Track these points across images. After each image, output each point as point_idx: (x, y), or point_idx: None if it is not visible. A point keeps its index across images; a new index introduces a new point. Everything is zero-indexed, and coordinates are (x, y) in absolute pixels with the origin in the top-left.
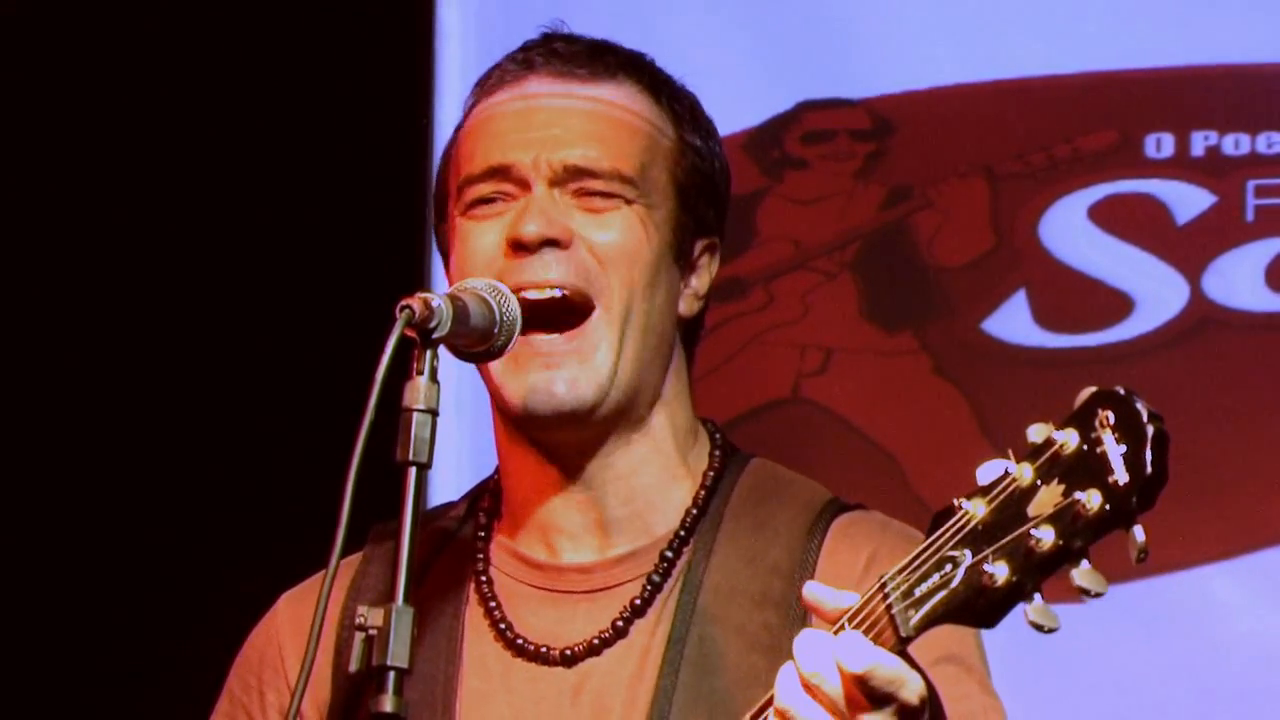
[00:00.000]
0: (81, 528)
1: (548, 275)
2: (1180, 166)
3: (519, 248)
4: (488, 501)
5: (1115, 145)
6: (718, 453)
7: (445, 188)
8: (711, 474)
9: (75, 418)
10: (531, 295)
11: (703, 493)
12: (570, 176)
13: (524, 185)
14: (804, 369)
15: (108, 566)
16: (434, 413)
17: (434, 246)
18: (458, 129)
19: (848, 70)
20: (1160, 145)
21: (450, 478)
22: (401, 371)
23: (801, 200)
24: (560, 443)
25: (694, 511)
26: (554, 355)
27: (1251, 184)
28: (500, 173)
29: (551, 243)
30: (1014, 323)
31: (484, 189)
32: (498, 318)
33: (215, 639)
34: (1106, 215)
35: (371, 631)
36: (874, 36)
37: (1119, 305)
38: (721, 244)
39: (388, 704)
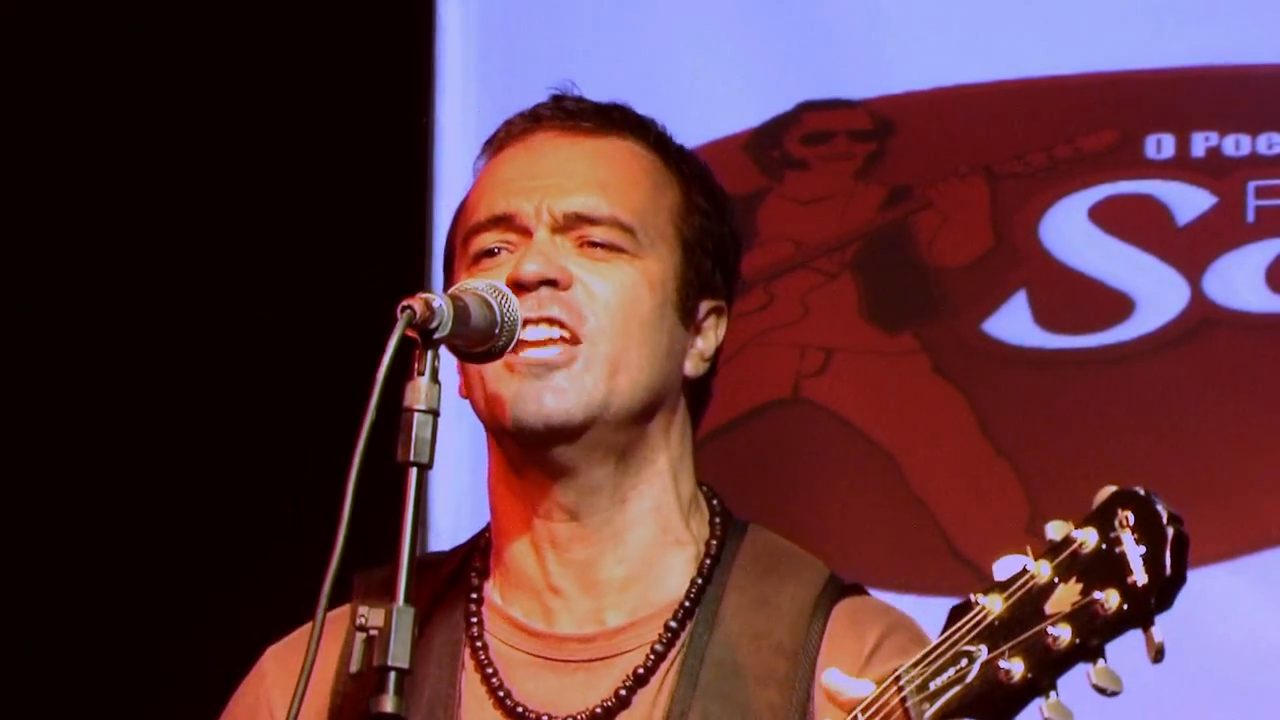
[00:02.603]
0: (82, 529)
1: (545, 311)
2: (1181, 167)
3: (519, 287)
4: (479, 561)
5: (1116, 145)
6: (718, 520)
7: (453, 242)
8: (715, 543)
9: (75, 419)
10: (529, 336)
11: (708, 562)
12: (571, 224)
13: (526, 233)
14: (804, 369)
15: (107, 568)
16: (435, 413)
17: (435, 246)
18: (469, 190)
19: (848, 70)
20: (1161, 146)
21: (451, 478)
22: (403, 372)
23: (802, 200)
24: (551, 482)
25: (699, 581)
26: (543, 364)
27: (1252, 185)
28: (503, 221)
29: (550, 283)
30: (1014, 323)
31: (488, 239)
32: (498, 318)
33: (216, 640)
34: (1107, 216)
35: (372, 632)
36: (874, 37)
37: (1119, 306)
38: (730, 312)
39: (388, 704)
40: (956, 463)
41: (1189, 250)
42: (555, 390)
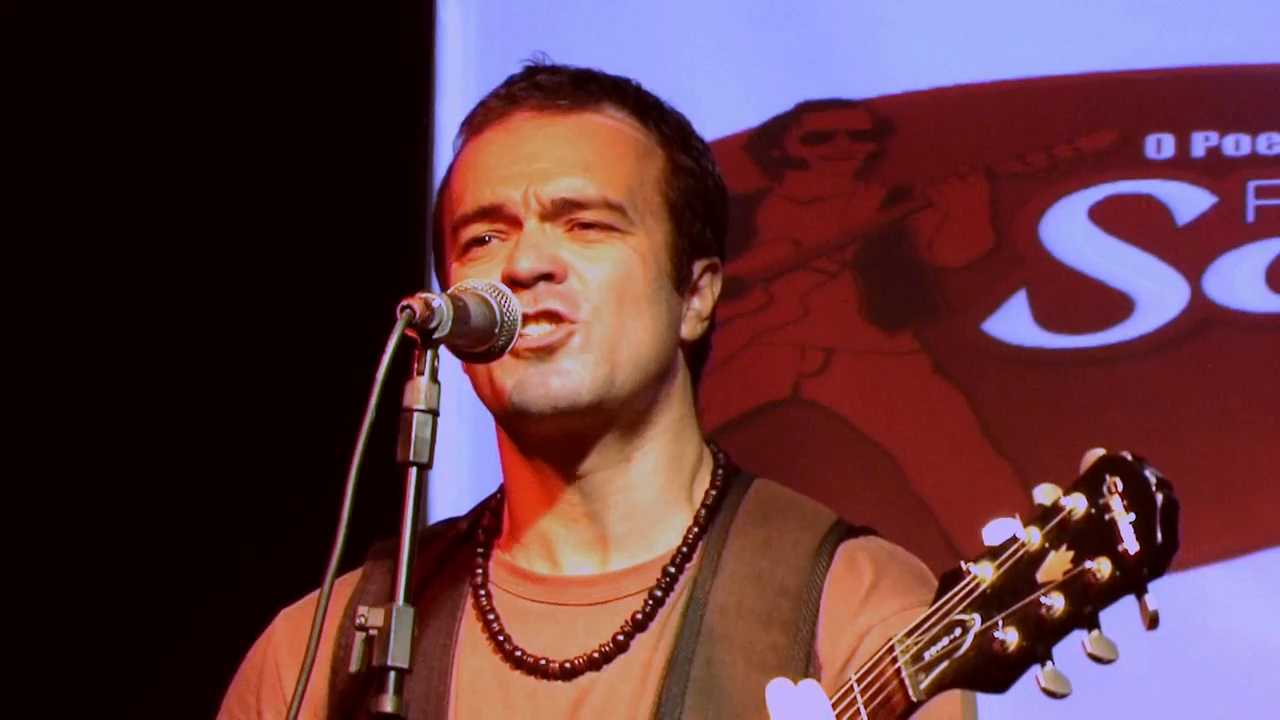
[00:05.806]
0: (81, 530)
1: (542, 305)
2: (1181, 167)
3: (514, 283)
4: (488, 519)
5: (1115, 145)
6: (720, 472)
7: (440, 228)
8: (713, 493)
9: (75, 418)
10: (530, 332)
11: (703, 511)
12: (560, 210)
13: (515, 223)
14: (804, 369)
15: (107, 568)
16: (434, 413)
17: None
18: (449, 169)
19: (848, 70)
20: (1160, 146)
21: (451, 478)
22: (402, 372)
23: (802, 200)
24: (557, 450)
25: (695, 529)
26: (545, 347)
27: (1252, 185)
28: (491, 212)
29: (546, 276)
30: (1014, 323)
31: (477, 229)
32: (498, 317)
33: (216, 640)
34: (1107, 216)
35: (372, 631)
36: (874, 37)
37: (1119, 306)
38: (723, 264)
39: (388, 704)
40: (956, 463)
41: (1189, 250)
42: (560, 373)
